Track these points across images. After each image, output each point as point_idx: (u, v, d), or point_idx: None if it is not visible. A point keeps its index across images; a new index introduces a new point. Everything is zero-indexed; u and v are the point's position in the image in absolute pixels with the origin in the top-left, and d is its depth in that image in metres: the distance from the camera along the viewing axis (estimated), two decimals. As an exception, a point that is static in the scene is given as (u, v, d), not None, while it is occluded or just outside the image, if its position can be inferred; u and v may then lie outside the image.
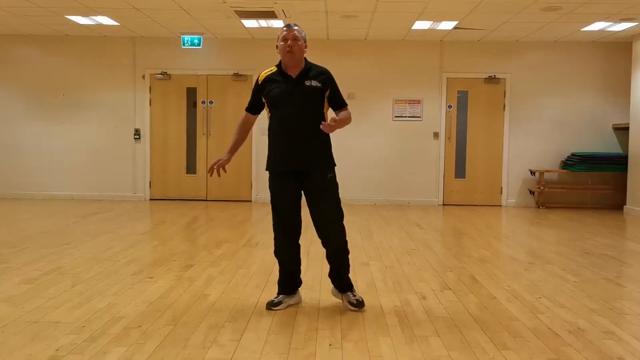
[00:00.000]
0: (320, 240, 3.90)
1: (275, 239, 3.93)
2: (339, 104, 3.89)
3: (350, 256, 3.93)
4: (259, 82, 3.88)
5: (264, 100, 3.87)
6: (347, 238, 3.92)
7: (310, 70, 3.82)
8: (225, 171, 3.93)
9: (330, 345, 3.18)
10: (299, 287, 4.01)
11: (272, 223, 3.92)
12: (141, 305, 3.86)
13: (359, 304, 3.81)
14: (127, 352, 3.01)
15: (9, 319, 3.53)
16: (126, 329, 3.37)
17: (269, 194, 3.88)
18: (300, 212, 3.85)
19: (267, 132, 3.91)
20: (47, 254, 5.46)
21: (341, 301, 3.90)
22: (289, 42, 3.73)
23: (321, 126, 3.66)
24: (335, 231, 3.84)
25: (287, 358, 2.99)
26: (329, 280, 4.00)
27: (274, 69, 3.86)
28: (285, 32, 3.77)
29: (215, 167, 3.89)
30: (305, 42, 3.83)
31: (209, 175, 3.99)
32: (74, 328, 3.37)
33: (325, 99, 3.84)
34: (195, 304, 3.94)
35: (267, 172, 3.90)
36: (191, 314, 3.71)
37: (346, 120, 3.84)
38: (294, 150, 3.76)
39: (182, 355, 3.00)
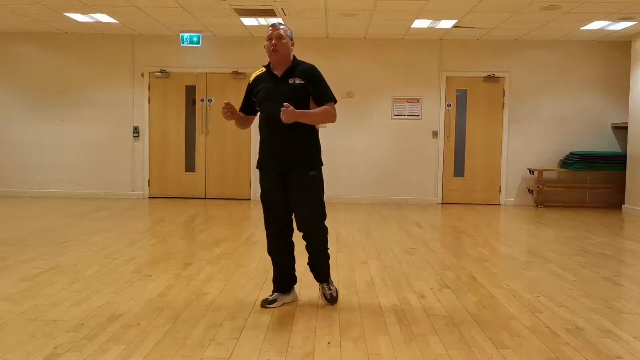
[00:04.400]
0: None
1: (267, 237, 3.94)
2: (320, 99, 3.76)
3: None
4: (250, 83, 3.88)
5: (254, 99, 3.86)
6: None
7: (296, 68, 3.78)
8: (231, 115, 3.73)
9: (328, 343, 3.18)
10: (294, 284, 4.02)
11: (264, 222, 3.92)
12: (140, 304, 3.86)
13: (332, 300, 3.86)
14: (125, 350, 3.01)
15: (7, 316, 3.53)
16: (125, 327, 3.37)
17: None
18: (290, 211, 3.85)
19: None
20: (45, 252, 5.46)
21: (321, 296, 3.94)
22: (273, 41, 3.72)
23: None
24: (316, 231, 3.83)
25: (286, 357, 2.98)
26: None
27: (263, 69, 3.85)
28: (270, 32, 3.76)
29: (228, 108, 3.71)
30: (292, 40, 3.80)
31: (223, 106, 3.72)
32: (72, 326, 3.37)
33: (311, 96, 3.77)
34: (193, 302, 3.94)
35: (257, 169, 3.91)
36: (190, 312, 3.71)
37: (317, 115, 3.71)
38: (276, 149, 3.75)
39: (181, 353, 3.00)
